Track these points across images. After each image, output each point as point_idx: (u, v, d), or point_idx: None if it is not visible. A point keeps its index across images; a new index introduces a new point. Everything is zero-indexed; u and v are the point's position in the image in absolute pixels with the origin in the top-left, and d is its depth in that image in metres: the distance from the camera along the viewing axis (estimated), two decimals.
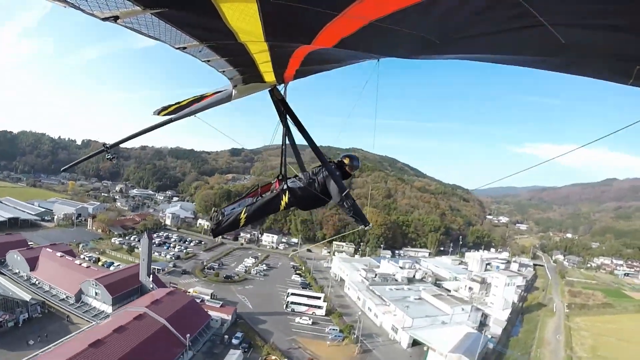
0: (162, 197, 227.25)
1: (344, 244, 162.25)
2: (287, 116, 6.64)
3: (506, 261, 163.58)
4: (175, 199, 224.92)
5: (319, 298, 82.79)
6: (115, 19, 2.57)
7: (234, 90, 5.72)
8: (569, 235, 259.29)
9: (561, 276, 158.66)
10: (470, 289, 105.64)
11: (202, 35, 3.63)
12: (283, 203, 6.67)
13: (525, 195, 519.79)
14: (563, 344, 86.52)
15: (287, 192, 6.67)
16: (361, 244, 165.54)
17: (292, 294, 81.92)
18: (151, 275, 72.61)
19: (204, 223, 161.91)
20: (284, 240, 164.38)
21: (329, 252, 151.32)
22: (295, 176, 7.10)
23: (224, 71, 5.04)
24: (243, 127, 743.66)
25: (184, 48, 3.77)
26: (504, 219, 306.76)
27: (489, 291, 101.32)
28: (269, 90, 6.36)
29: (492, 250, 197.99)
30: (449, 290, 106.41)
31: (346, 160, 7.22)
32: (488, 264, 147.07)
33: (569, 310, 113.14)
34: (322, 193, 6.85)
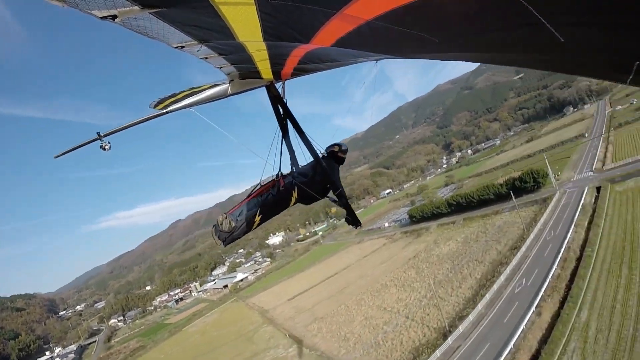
0: None
1: None
2: (283, 113, 6.94)
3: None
4: None
5: None
6: (113, 18, 2.58)
7: (229, 86, 5.83)
8: (148, 288, 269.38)
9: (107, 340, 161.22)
10: None
11: (202, 35, 3.69)
12: (293, 199, 6.81)
13: (107, 269, 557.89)
14: None
15: (296, 187, 6.77)
16: None
17: None
18: None
19: None
20: None
21: None
22: (293, 172, 7.18)
23: (221, 67, 5.15)
24: None
25: (182, 47, 3.79)
26: (80, 307, 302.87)
27: None
28: (266, 87, 6.57)
29: (47, 353, 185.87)
30: None
31: (336, 149, 7.63)
32: None
33: None
34: (322, 187, 7.17)
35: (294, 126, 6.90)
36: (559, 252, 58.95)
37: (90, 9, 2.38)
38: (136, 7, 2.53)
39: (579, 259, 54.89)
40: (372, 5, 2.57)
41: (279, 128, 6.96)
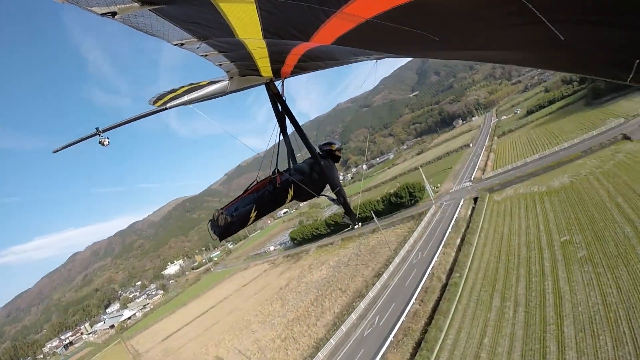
0: None
1: None
2: (282, 110, 6.90)
3: None
4: None
5: None
6: (113, 15, 2.61)
7: (229, 83, 5.77)
8: (45, 332, 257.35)
9: None
10: None
11: (201, 32, 3.70)
12: (289, 196, 6.79)
13: (3, 313, 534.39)
14: None
15: (292, 185, 6.75)
16: None
17: None
18: None
19: None
20: None
21: None
22: (290, 169, 7.15)
23: (220, 64, 5.13)
24: None
25: (182, 44, 3.79)
26: None
27: None
28: (265, 84, 6.53)
29: None
30: None
31: (333, 147, 7.62)
32: None
33: None
34: (319, 185, 7.22)
35: (293, 124, 6.91)
36: (421, 280, 49.78)
37: (90, 6, 2.40)
38: (136, 4, 2.54)
39: (444, 288, 45.77)
40: (372, 4, 2.59)
41: (277, 125, 6.94)
